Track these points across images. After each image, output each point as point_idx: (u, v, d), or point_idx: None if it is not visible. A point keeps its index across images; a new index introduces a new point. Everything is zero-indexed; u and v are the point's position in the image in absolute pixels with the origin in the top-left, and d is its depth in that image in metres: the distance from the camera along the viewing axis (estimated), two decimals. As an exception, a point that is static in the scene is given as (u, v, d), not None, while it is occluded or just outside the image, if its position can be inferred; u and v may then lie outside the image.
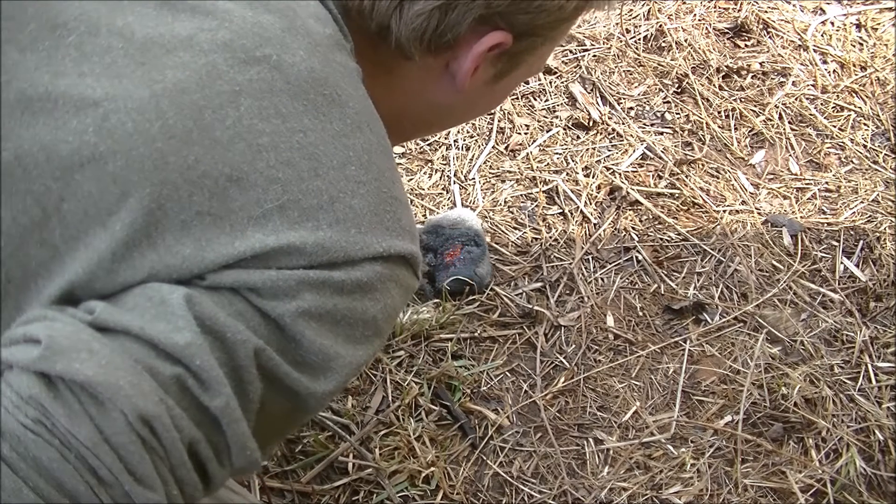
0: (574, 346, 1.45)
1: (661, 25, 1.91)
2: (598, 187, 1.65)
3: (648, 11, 1.94)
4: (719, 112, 1.80)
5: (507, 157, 1.68)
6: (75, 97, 0.57)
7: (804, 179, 1.72)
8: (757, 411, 1.40)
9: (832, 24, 1.98)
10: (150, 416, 0.51)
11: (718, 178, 1.70)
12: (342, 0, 0.69)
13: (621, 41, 1.88)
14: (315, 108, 0.61)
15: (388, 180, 0.64)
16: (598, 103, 1.77)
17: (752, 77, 1.86)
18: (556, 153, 1.69)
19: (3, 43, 0.59)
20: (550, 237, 1.57)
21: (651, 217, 1.62)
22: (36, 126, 0.57)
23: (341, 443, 1.29)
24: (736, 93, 1.83)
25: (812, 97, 1.84)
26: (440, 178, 1.64)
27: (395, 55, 0.71)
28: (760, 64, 1.88)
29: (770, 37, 1.94)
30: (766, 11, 1.97)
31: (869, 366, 1.46)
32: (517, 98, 1.77)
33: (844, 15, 2.00)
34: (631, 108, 1.78)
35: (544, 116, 1.75)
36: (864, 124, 1.81)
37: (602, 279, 1.54)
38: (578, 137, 1.72)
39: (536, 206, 1.61)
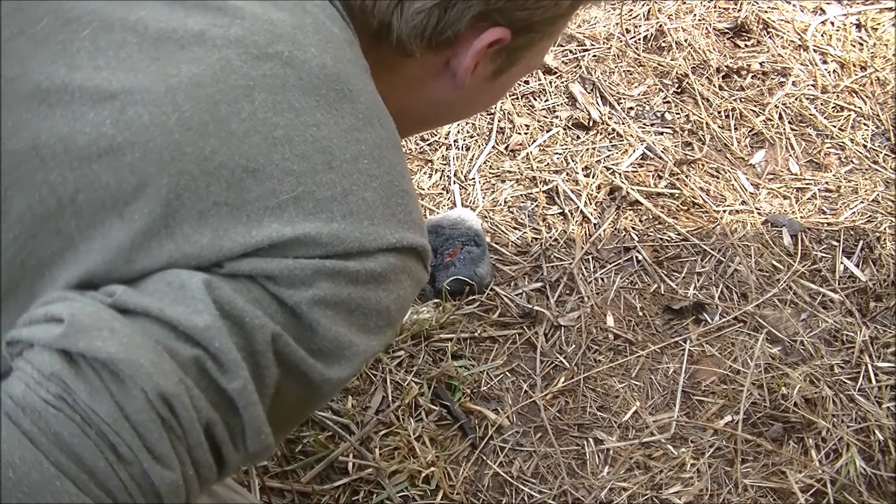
0: (574, 346, 1.45)
1: (661, 25, 1.91)
2: (598, 187, 1.65)
3: (648, 11, 1.94)
4: (719, 112, 1.80)
5: (507, 157, 1.68)
6: (92, 90, 0.58)
7: (804, 179, 1.72)
8: (757, 411, 1.40)
9: (832, 24, 1.98)
10: (170, 395, 0.52)
11: (718, 178, 1.70)
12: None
13: (621, 41, 1.88)
14: (327, 103, 0.61)
15: (399, 174, 0.65)
16: (598, 103, 1.77)
17: (752, 77, 1.86)
18: (556, 153, 1.69)
19: (18, 36, 0.60)
20: (550, 237, 1.57)
21: (651, 217, 1.62)
22: (53, 118, 0.57)
23: (341, 443, 1.29)
24: (736, 93, 1.83)
25: (812, 97, 1.84)
26: (440, 178, 1.64)
27: (396, 53, 0.72)
28: (760, 64, 1.88)
29: (770, 37, 1.94)
30: (766, 11, 1.97)
31: (869, 366, 1.46)
32: (517, 98, 1.77)
33: (844, 15, 2.00)
34: (631, 108, 1.78)
35: (544, 116, 1.75)
36: (864, 124, 1.81)
37: (602, 279, 1.54)
38: (578, 137, 1.72)
39: (536, 206, 1.61)
